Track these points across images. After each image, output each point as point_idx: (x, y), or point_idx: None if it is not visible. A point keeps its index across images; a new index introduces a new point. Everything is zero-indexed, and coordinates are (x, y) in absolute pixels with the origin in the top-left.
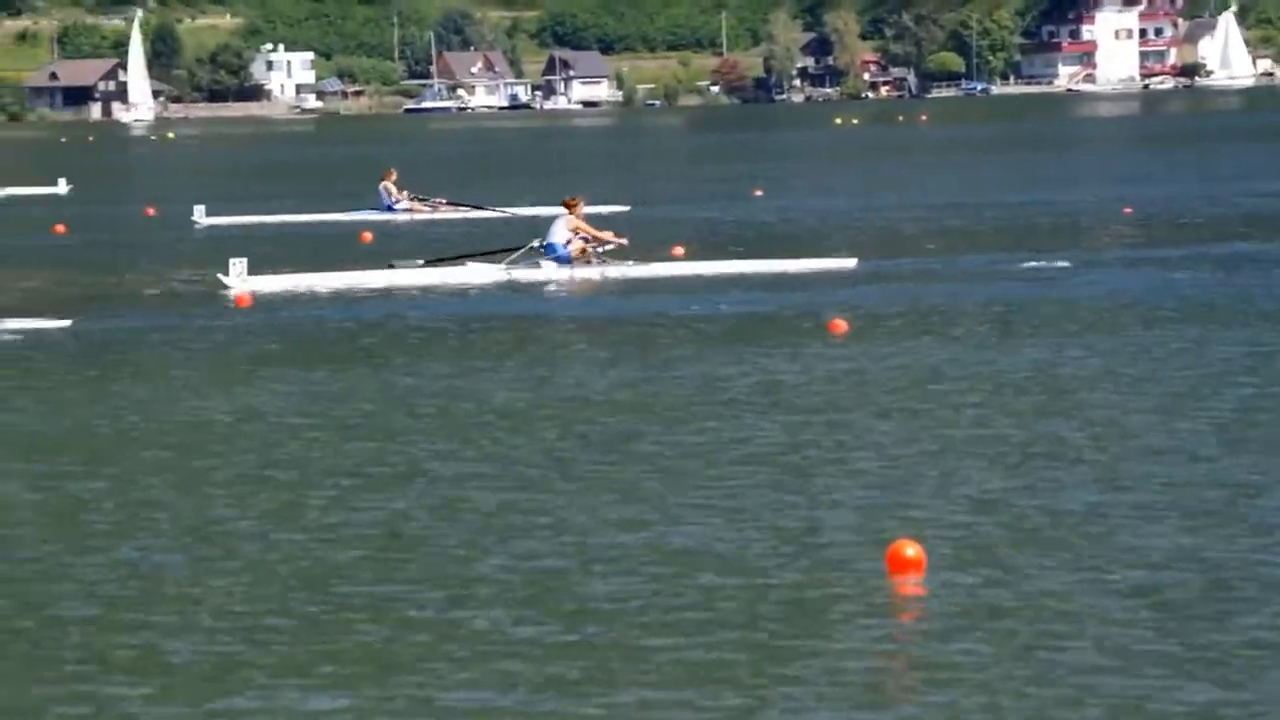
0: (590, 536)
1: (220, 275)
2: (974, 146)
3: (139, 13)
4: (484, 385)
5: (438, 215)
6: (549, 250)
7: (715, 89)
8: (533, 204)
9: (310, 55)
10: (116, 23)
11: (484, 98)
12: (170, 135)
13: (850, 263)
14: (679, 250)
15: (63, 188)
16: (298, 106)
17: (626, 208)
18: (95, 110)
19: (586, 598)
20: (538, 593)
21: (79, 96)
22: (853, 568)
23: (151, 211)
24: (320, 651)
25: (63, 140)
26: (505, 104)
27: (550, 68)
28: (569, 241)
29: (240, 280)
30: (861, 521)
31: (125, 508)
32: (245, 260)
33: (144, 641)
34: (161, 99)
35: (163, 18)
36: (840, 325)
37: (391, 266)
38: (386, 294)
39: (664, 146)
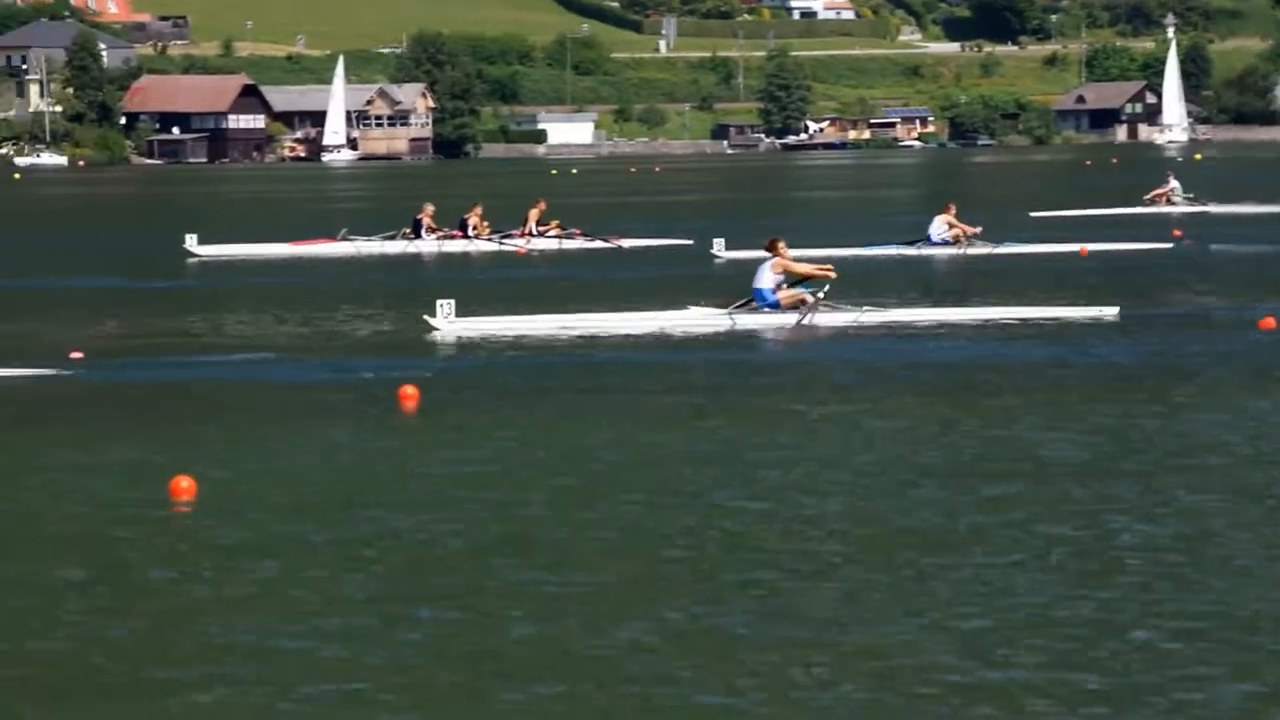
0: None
1: (427, 317)
2: None
3: (1171, 34)
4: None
5: (980, 251)
6: (757, 297)
7: None
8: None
9: None
10: (1146, 44)
11: None
12: (1197, 156)
13: None
14: None
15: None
16: None
17: None
18: (1121, 132)
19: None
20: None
21: (1105, 119)
22: None
23: None
24: None
25: (1086, 163)
26: None
27: None
28: (778, 287)
29: (448, 321)
30: None
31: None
32: (453, 301)
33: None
34: (1190, 121)
35: (1194, 39)
36: None
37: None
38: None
39: None
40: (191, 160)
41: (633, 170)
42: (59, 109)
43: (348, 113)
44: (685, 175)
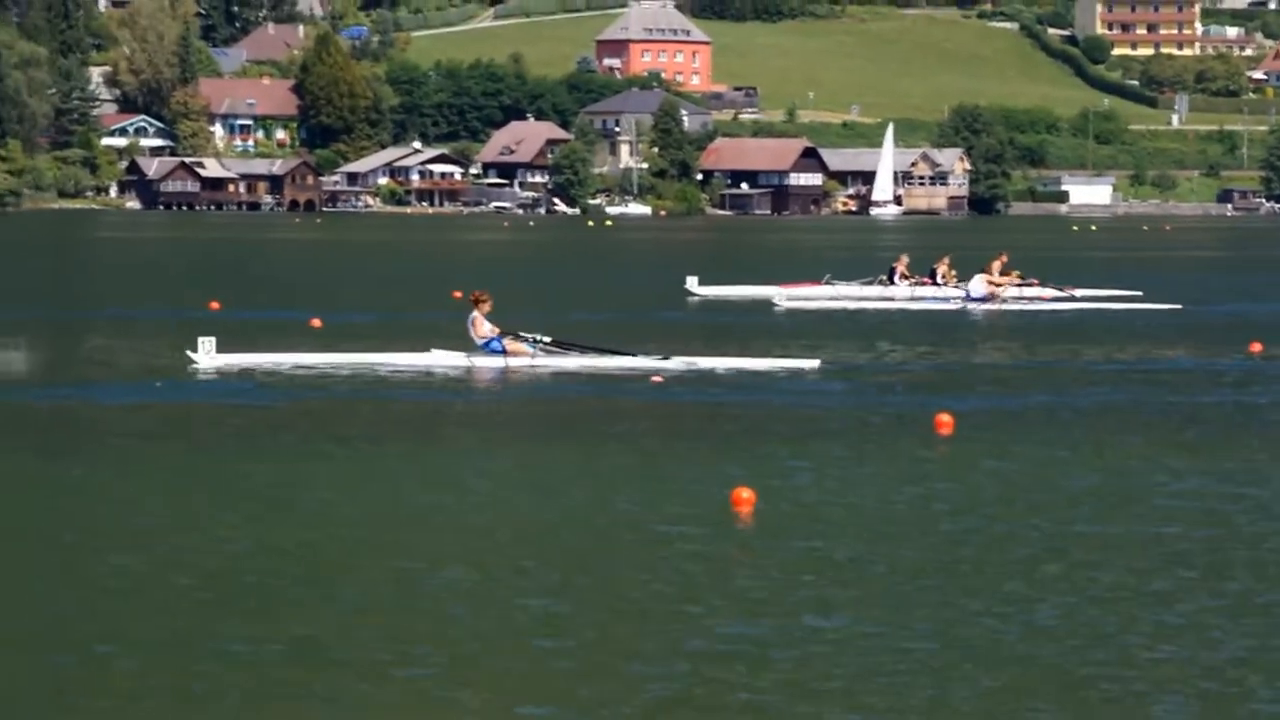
0: None
1: (189, 352)
2: None
3: None
4: None
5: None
6: (485, 348)
7: None
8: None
9: None
10: None
11: None
12: None
13: None
14: None
15: None
16: None
17: None
18: None
19: None
20: None
21: None
22: None
23: None
24: None
25: None
26: None
27: None
28: (500, 334)
29: (209, 357)
30: None
31: None
32: (214, 339)
33: None
34: None
35: None
36: None
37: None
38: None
39: None
40: (757, 212)
41: (1145, 228)
42: (645, 166)
43: (894, 172)
44: (1193, 234)
